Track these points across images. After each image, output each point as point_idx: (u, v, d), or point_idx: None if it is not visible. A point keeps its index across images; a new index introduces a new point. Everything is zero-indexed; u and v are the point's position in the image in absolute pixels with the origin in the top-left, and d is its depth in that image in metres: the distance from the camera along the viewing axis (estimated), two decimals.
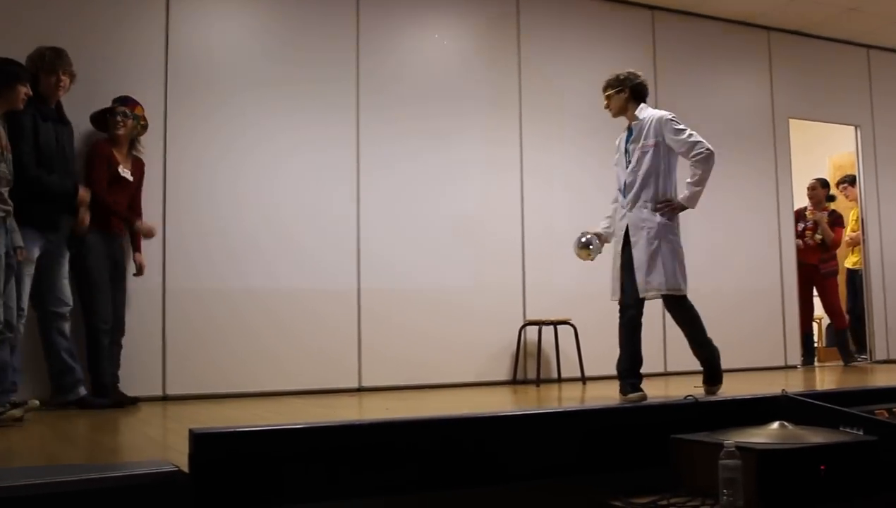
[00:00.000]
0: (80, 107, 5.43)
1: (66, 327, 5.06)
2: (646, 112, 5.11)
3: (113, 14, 5.79)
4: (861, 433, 3.63)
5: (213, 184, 5.97)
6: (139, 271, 5.59)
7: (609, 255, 5.27)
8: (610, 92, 5.16)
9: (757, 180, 8.16)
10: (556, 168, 7.16)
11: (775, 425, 3.61)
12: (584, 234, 5.29)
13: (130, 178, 5.49)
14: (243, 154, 6.07)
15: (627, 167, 5.09)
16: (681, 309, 5.04)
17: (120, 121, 5.44)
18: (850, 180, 8.97)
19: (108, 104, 5.48)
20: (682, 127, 4.98)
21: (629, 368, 4.94)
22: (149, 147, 5.76)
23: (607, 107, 5.22)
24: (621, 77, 5.14)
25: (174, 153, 5.86)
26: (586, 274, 6.99)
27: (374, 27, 6.59)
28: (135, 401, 5.36)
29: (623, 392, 4.87)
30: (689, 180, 4.93)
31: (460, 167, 6.79)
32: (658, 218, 4.95)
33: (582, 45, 7.44)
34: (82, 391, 5.05)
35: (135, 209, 5.58)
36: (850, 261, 8.82)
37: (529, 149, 7.08)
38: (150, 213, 5.72)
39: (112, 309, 5.38)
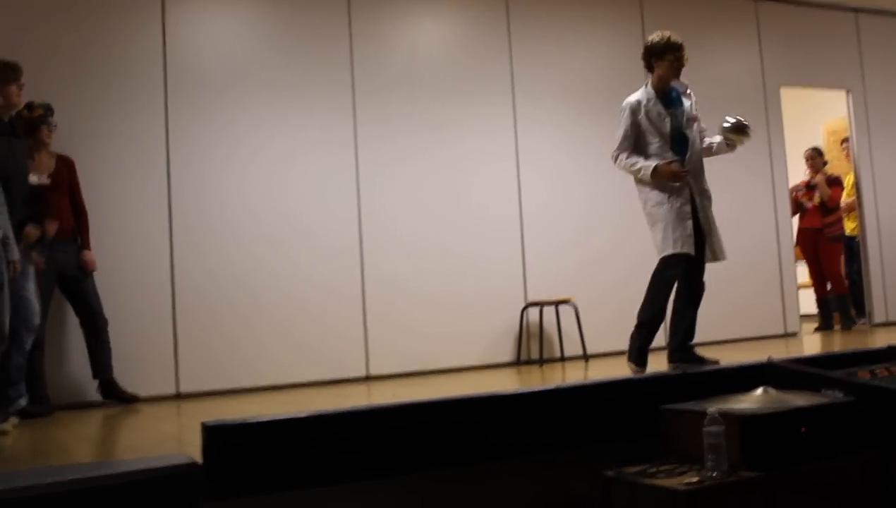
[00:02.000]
0: (79, 114, 5.60)
1: (30, 341, 4.93)
2: (681, 83, 5.32)
3: (109, 20, 5.95)
4: (840, 395, 3.79)
5: (218, 183, 6.12)
6: (86, 267, 5.54)
7: (628, 222, 5.28)
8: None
9: (751, 149, 8.23)
10: (549, 152, 7.30)
11: (759, 391, 3.76)
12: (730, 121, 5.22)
13: (48, 181, 5.35)
14: (245, 155, 6.22)
15: (668, 128, 5.16)
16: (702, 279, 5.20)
17: (50, 132, 5.46)
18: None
19: (30, 111, 5.43)
20: None
21: (648, 324, 5.09)
22: (151, 148, 5.95)
23: (678, 69, 5.27)
24: None
25: (177, 153, 6.03)
26: (584, 253, 7.19)
27: (366, 25, 6.72)
28: (134, 399, 5.52)
29: (629, 356, 5.06)
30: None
31: (457, 158, 6.94)
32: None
33: (572, 28, 7.55)
34: (23, 402, 4.95)
35: (80, 215, 5.58)
36: (847, 228, 8.92)
37: (524, 135, 7.21)
38: (154, 214, 5.92)
39: (86, 308, 5.50)
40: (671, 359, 5.09)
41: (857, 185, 8.81)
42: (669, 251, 5.05)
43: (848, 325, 8.32)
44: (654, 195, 5.14)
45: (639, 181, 5.22)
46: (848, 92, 9.00)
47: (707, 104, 7.96)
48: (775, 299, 8.19)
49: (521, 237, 7.12)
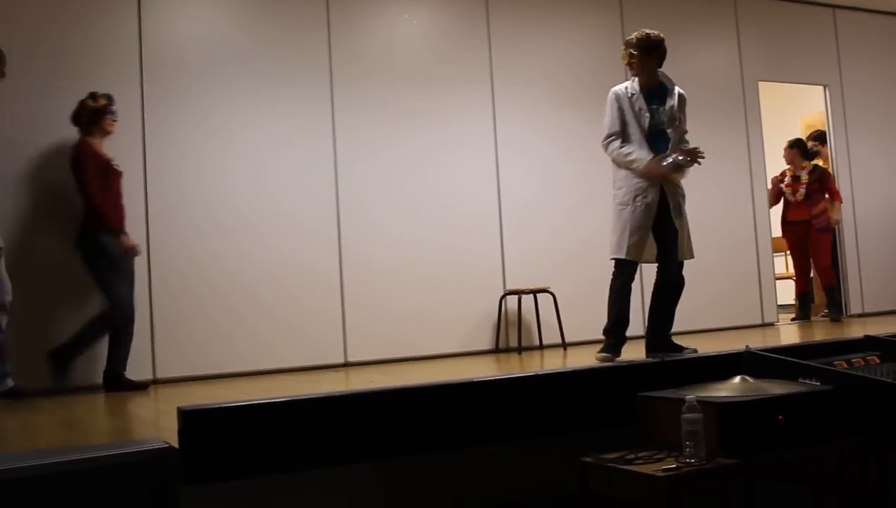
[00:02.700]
0: (57, 102, 5.55)
1: (5, 320, 5.03)
2: (670, 81, 5.26)
3: (87, 9, 5.88)
4: (818, 383, 3.82)
5: (195, 171, 6.06)
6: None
7: (607, 211, 5.32)
8: (639, 53, 5.12)
9: (729, 143, 8.30)
10: (528, 139, 7.29)
11: (737, 379, 3.78)
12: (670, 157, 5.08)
13: (122, 169, 5.58)
14: (224, 141, 6.17)
15: (647, 124, 5.12)
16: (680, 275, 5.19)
17: (113, 121, 5.55)
18: (816, 137, 9.02)
19: (94, 101, 5.51)
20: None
21: (612, 329, 5.09)
22: (127, 134, 5.85)
23: (629, 64, 5.18)
24: (655, 40, 5.15)
25: (154, 140, 5.96)
26: (563, 242, 7.20)
27: (345, 12, 6.67)
28: (146, 386, 5.52)
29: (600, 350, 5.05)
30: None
31: (436, 145, 6.91)
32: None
33: (551, 18, 7.54)
34: (10, 382, 5.03)
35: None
36: None
37: (502, 123, 7.20)
38: (130, 199, 5.81)
39: (129, 298, 5.53)
40: (649, 351, 5.09)
41: (833, 179, 8.86)
42: (619, 255, 5.07)
43: (837, 317, 8.21)
44: (622, 193, 5.13)
45: (617, 172, 5.18)
46: (825, 87, 9.06)
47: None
48: (753, 289, 8.23)
49: (500, 224, 7.11)
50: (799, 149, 8.48)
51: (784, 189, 8.46)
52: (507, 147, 7.20)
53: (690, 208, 7.66)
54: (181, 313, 5.93)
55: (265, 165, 6.32)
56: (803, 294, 8.52)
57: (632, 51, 5.15)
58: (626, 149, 5.07)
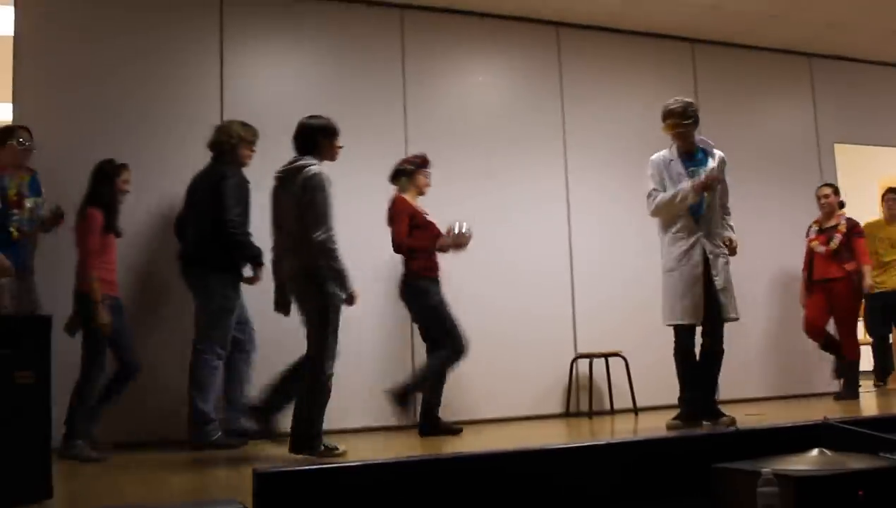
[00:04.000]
0: (144, 159, 5.74)
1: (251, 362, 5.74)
2: (708, 144, 5.40)
3: (168, 69, 6.17)
4: None
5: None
6: None
7: (657, 278, 5.41)
8: (685, 120, 5.33)
9: (804, 207, 8.18)
10: (600, 200, 7.31)
11: (815, 452, 3.69)
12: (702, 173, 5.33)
13: (434, 221, 6.04)
14: None
15: None
16: (722, 335, 5.22)
17: (427, 181, 6.12)
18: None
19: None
20: None
21: (683, 397, 5.14)
22: None
23: (676, 134, 5.38)
24: (693, 107, 5.39)
25: None
26: (635, 305, 7.14)
27: (420, 75, 6.84)
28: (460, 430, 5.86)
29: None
30: (730, 224, 5.34)
31: (508, 205, 6.98)
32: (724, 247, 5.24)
33: (623, 81, 7.61)
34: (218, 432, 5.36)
35: None
36: (892, 283, 7.88)
37: (575, 184, 7.25)
38: None
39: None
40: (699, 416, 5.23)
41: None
42: (672, 321, 5.28)
43: (849, 394, 7.16)
44: (668, 260, 5.32)
45: (663, 238, 5.41)
46: None
47: (760, 160, 7.99)
48: (828, 357, 8.03)
49: (572, 287, 7.11)
50: (839, 197, 7.52)
51: (811, 243, 7.43)
52: (578, 207, 7.23)
53: (765, 271, 7.69)
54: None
55: (340, 220, 6.38)
56: (852, 363, 7.26)
57: (677, 120, 5.28)
58: (666, 194, 5.27)
